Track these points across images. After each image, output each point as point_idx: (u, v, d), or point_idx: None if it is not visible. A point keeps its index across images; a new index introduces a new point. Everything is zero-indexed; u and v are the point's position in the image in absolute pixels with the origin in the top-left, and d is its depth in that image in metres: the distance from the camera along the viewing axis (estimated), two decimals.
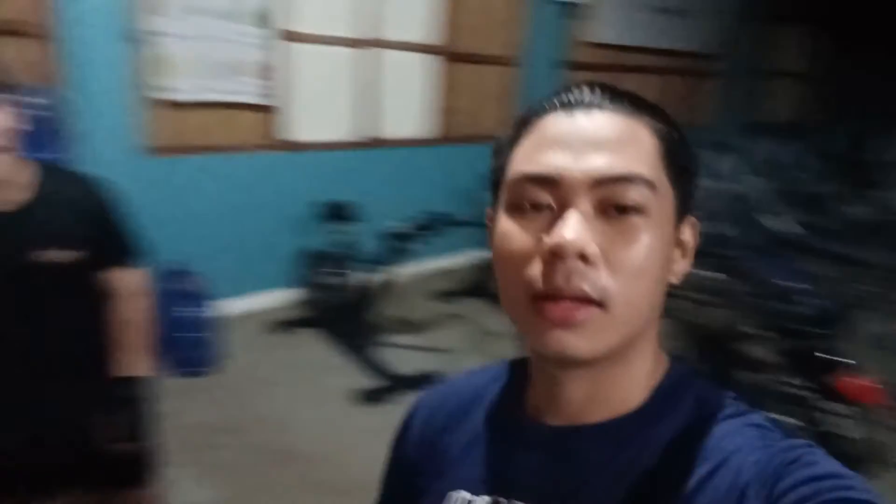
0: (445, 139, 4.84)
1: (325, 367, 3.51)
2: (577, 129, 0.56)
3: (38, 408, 1.39)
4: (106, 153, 3.18)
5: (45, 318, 1.37)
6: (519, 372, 0.69)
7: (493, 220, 0.62)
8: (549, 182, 0.55)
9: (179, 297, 3.25)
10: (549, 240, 0.53)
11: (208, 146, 3.70)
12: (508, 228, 0.58)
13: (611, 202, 0.54)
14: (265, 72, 3.74)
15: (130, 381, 1.50)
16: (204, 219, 3.71)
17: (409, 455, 0.74)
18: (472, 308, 4.33)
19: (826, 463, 0.54)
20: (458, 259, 5.05)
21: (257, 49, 3.68)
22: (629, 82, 3.57)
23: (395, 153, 4.54)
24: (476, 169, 4.79)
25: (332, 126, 4.21)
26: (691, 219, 0.61)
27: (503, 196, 0.59)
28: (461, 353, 3.78)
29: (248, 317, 3.94)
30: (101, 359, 1.48)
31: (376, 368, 3.46)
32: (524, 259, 0.56)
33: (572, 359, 0.55)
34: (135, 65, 3.30)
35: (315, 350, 3.70)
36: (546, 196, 0.55)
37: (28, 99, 2.67)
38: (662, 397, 0.60)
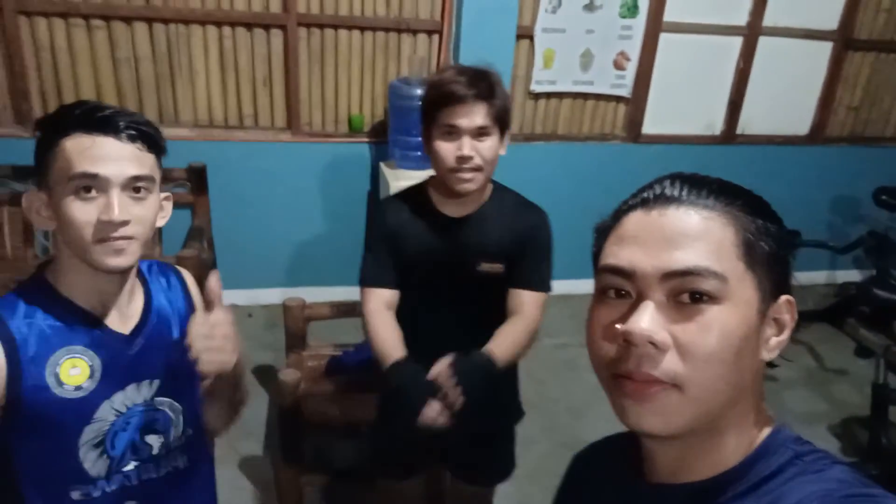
0: (825, 139, 4.19)
1: None
2: (651, 227, 0.61)
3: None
4: None
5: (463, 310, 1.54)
6: None
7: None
8: (626, 274, 0.61)
9: None
10: (623, 328, 0.59)
11: (566, 135, 3.86)
12: (595, 311, 0.65)
13: (682, 292, 0.59)
14: (628, 63, 3.72)
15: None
16: (553, 204, 3.87)
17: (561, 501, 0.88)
18: (817, 336, 3.72)
19: None
20: (815, 276, 4.35)
21: (623, 40, 3.67)
22: None
23: (758, 151, 4.08)
24: (865, 176, 4.06)
25: (690, 119, 3.99)
26: (787, 297, 0.63)
27: (595, 280, 0.66)
28: (789, 386, 3.31)
29: (562, 299, 4.00)
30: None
31: None
32: (604, 340, 0.63)
33: (648, 434, 0.61)
34: (520, 60, 3.59)
35: None
36: (627, 285, 0.62)
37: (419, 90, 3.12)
38: (755, 461, 0.63)
